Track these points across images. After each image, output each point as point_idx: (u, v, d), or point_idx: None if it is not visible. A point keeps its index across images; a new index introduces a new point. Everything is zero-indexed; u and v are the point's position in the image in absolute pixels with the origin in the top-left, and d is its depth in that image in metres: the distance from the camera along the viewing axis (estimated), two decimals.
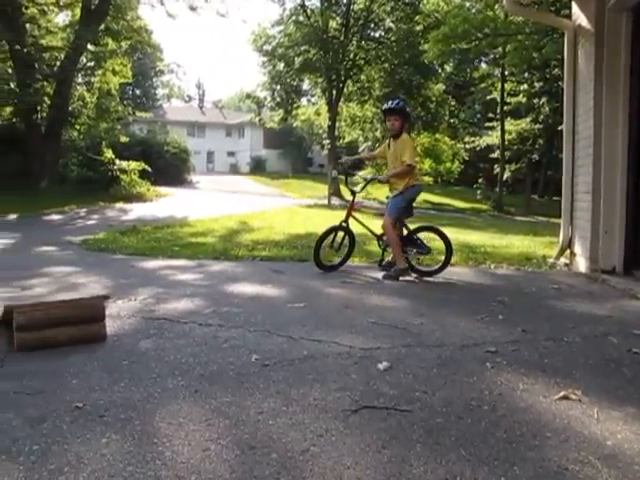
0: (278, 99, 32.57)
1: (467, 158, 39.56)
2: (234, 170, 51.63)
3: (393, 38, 31.50)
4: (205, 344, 3.71)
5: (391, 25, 32.38)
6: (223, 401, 2.82)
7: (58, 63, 23.30)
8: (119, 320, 4.26)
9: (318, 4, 31.29)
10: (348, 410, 2.73)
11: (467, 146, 38.21)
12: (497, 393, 2.97)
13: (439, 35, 24.07)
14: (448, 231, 12.69)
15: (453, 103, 37.00)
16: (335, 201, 23.40)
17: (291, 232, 10.75)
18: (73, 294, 5.33)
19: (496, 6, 24.45)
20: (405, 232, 6.45)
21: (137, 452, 2.33)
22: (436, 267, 6.48)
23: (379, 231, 6.59)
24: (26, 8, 21.74)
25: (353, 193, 6.64)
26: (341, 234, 6.65)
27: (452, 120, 37.06)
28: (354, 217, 6.64)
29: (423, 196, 36.02)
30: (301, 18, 31.19)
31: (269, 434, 2.49)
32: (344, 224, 6.59)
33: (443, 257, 6.45)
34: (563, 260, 7.67)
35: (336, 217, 16.08)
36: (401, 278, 6.21)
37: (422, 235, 6.51)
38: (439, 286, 6.10)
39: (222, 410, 2.72)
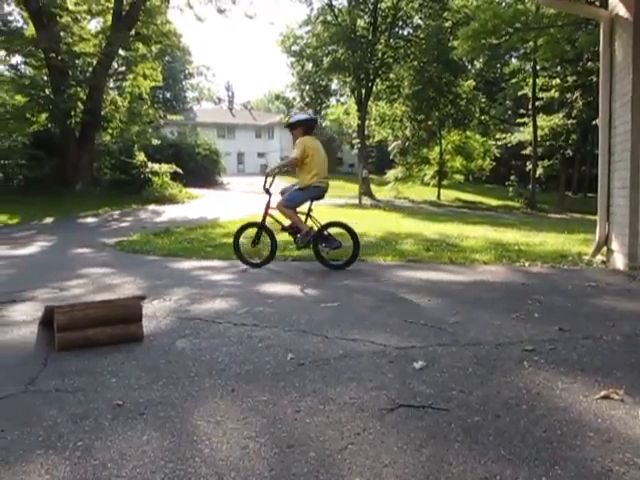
0: (307, 99, 32.66)
1: (498, 155, 39.09)
2: (264, 171, 51.77)
3: (422, 35, 31.31)
4: (240, 344, 3.74)
5: (419, 22, 32.21)
6: (260, 400, 2.84)
7: (90, 69, 23.74)
8: (155, 320, 4.33)
9: (345, 3, 31.29)
10: (385, 409, 2.72)
11: (498, 143, 37.75)
12: (535, 392, 2.93)
13: (469, 31, 23.79)
14: (481, 229, 12.70)
15: (483, 100, 36.51)
16: (366, 200, 23.33)
17: None
18: (109, 295, 5.45)
19: None
20: (316, 228, 6.86)
21: (177, 449, 2.36)
22: (345, 260, 6.87)
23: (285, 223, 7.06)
24: (60, 17, 22.22)
25: (268, 193, 6.86)
26: (261, 232, 7.06)
27: (483, 117, 36.58)
28: (270, 215, 7.00)
29: (455, 194, 35.86)
30: (329, 18, 31.21)
31: (306, 432, 2.50)
32: (262, 223, 7.02)
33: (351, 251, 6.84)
34: (600, 257, 7.52)
35: (367, 216, 16.20)
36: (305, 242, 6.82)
37: (332, 230, 6.93)
38: (473, 285, 6.04)
39: (259, 409, 2.74)
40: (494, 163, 38.37)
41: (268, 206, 6.92)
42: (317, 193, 6.79)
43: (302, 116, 7.13)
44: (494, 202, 33.68)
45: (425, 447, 2.36)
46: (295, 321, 4.28)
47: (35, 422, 2.64)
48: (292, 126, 7.00)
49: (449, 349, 3.64)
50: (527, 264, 7.36)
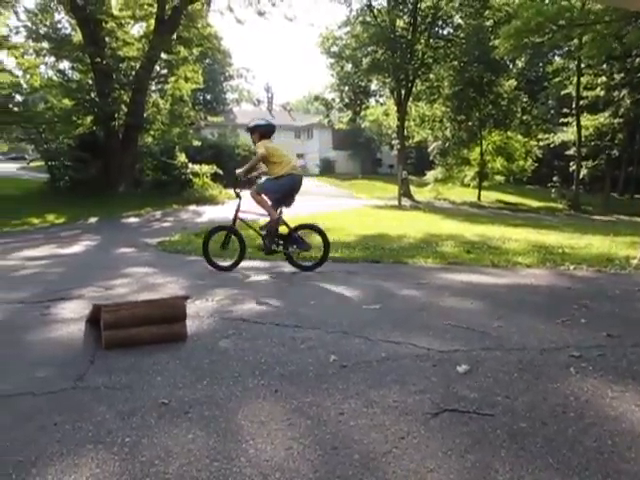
0: (346, 100, 32.63)
1: (540, 156, 38.31)
2: (303, 172, 51.87)
3: (462, 35, 30.93)
4: (283, 345, 3.77)
5: (460, 22, 31.81)
6: (303, 401, 2.85)
7: (133, 72, 24.20)
8: (198, 320, 4.39)
9: (385, 4, 31.12)
10: (429, 413, 2.71)
11: (541, 143, 36.98)
12: (584, 400, 2.86)
13: (511, 30, 23.35)
14: (522, 231, 12.48)
15: (525, 99, 35.81)
16: (405, 202, 23.16)
17: (362, 233, 10.74)
18: (153, 294, 5.55)
19: None
20: (287, 230, 6.97)
21: (222, 449, 2.39)
22: (315, 262, 6.96)
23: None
24: (106, 23, 22.74)
25: (238, 197, 7.12)
26: (230, 235, 7.12)
27: (524, 117, 35.89)
28: (241, 219, 7.12)
29: (495, 195, 35.31)
30: (368, 18, 31.08)
31: (350, 435, 2.50)
32: (232, 227, 7.11)
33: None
34: None
35: (407, 218, 16.11)
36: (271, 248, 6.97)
37: (302, 232, 7.06)
38: (516, 288, 5.94)
39: (303, 410, 2.75)
40: (536, 164, 37.59)
41: (238, 210, 7.07)
42: (293, 181, 6.87)
43: (261, 122, 7.33)
44: (536, 204, 33.04)
45: (470, 453, 2.34)
46: (337, 323, 4.28)
47: (85, 417, 2.72)
48: (252, 130, 7.23)
49: (493, 353, 3.59)
50: (572, 268, 7.20)
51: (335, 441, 2.44)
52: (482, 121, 32.88)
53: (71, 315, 4.81)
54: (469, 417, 2.66)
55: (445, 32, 32.91)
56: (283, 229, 7.00)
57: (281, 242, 6.95)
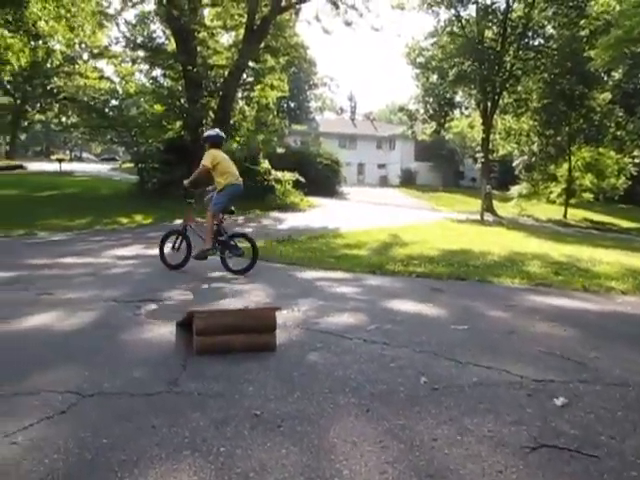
0: (431, 111, 32.25)
1: (635, 173, 36.40)
2: (384, 182, 51.78)
3: (554, 46, 29.89)
4: (372, 362, 3.74)
5: (552, 32, 30.77)
6: (396, 423, 2.81)
7: (222, 80, 24.93)
8: (286, 330, 4.42)
9: (473, 14, 30.57)
10: (527, 447, 2.60)
11: (636, 160, 35.11)
12: None
13: (610, 39, 22.15)
14: (613, 253, 11.89)
15: (620, 114, 34.16)
16: (488, 217, 22.56)
17: (445, 248, 10.55)
18: (239, 301, 5.66)
19: None
20: (224, 237, 7.66)
21: (316, 467, 2.39)
22: (245, 266, 7.53)
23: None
24: (198, 32, 23.57)
25: (190, 205, 7.92)
26: (180, 238, 7.88)
27: (619, 132, 34.22)
28: (190, 226, 7.90)
29: (583, 214, 33.88)
30: (455, 29, 30.65)
31: (445, 464, 2.43)
32: (183, 230, 7.91)
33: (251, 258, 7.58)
34: None
35: (490, 234, 15.71)
36: (209, 257, 7.65)
37: (236, 240, 7.77)
38: (612, 316, 5.65)
39: (395, 433, 2.71)
40: (629, 182, 35.76)
41: (188, 216, 7.95)
42: (236, 190, 7.65)
43: (211, 133, 8.06)
44: (627, 224, 31.36)
45: None
46: (425, 342, 4.21)
47: (181, 423, 2.79)
48: (204, 140, 8.05)
49: (592, 387, 3.42)
50: None
51: (430, 469, 2.39)
52: (572, 136, 31.58)
53: (162, 317, 4.96)
54: (570, 456, 2.53)
55: (535, 43, 31.91)
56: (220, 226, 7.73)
57: (219, 246, 7.63)
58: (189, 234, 7.88)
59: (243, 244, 7.81)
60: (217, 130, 8.31)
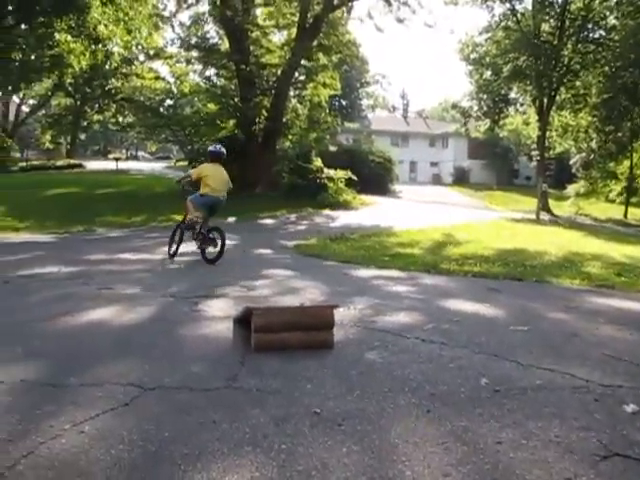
0: (485, 108, 31.54)
1: None
2: (436, 180, 51.19)
3: (616, 37, 28.76)
4: (430, 362, 3.68)
5: (615, 22, 29.62)
6: (458, 425, 2.75)
7: (274, 79, 25.12)
8: (342, 329, 4.39)
9: (529, 7, 29.77)
10: (597, 455, 2.49)
11: None
12: None
13: None
14: None
15: None
16: (544, 216, 21.95)
17: (499, 247, 10.32)
18: (295, 298, 5.68)
19: None
20: (204, 231, 8.69)
21: (378, 467, 2.36)
22: (214, 256, 8.44)
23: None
24: (251, 32, 23.84)
25: (184, 198, 9.09)
26: (179, 229, 9.07)
27: None
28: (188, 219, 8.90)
29: None
30: (510, 24, 29.92)
31: (511, 468, 2.36)
32: (182, 224, 9.07)
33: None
34: None
35: (546, 233, 15.30)
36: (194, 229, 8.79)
37: (213, 233, 8.64)
38: None
39: (458, 434, 2.65)
40: None
41: (187, 212, 8.96)
42: (209, 200, 8.77)
43: (212, 148, 9.44)
44: None
45: None
46: (484, 343, 4.12)
47: (241, 418, 2.81)
48: (208, 154, 9.63)
49: None
50: None
51: (495, 473, 2.32)
52: (634, 132, 30.36)
53: (218, 313, 5.03)
54: None
55: (596, 35, 30.80)
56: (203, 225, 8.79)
57: (200, 238, 8.66)
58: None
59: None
60: (219, 146, 9.43)
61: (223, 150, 9.15)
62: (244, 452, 2.48)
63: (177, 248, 8.99)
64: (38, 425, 2.70)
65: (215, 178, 8.79)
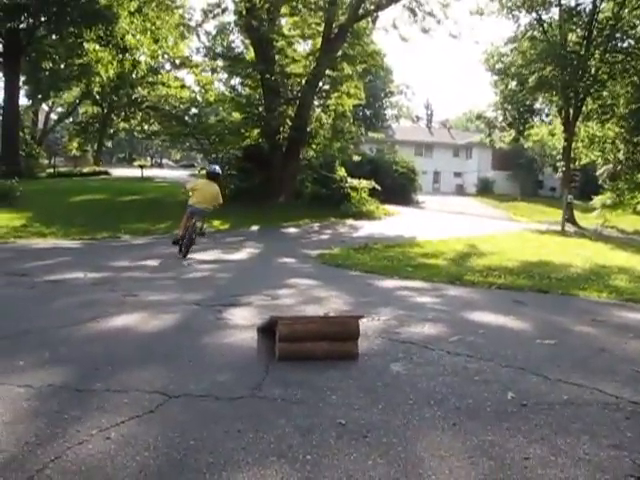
0: (510, 119, 31.30)
1: None
2: (460, 191, 50.77)
3: None
4: (456, 374, 3.65)
5: None
6: (484, 439, 2.71)
7: (299, 88, 25.23)
8: (367, 340, 4.38)
9: (556, 17, 29.54)
10: (631, 475, 2.44)
11: None
12: None
13: None
14: None
15: None
16: (569, 228, 21.64)
17: (524, 259, 10.20)
18: (319, 308, 5.67)
19: None
20: (194, 235, 10.06)
21: None
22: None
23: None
24: (276, 42, 24.00)
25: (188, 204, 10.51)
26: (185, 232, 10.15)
27: None
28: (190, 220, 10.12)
29: None
30: (536, 34, 29.70)
31: None
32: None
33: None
34: None
35: (572, 245, 15.10)
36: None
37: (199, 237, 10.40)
38: None
39: (484, 449, 2.62)
40: None
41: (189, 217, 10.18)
42: (192, 210, 10.08)
43: (209, 169, 11.45)
44: None
45: None
46: (510, 356, 4.07)
47: (266, 428, 2.80)
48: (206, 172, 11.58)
49: None
50: None
51: None
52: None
53: (243, 322, 5.05)
54: None
55: (624, 44, 30.40)
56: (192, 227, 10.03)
57: (191, 240, 9.91)
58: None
59: None
60: (216, 167, 11.47)
61: (219, 171, 11.23)
62: (269, 462, 2.48)
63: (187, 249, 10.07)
64: (65, 430, 2.74)
65: (203, 192, 10.26)
